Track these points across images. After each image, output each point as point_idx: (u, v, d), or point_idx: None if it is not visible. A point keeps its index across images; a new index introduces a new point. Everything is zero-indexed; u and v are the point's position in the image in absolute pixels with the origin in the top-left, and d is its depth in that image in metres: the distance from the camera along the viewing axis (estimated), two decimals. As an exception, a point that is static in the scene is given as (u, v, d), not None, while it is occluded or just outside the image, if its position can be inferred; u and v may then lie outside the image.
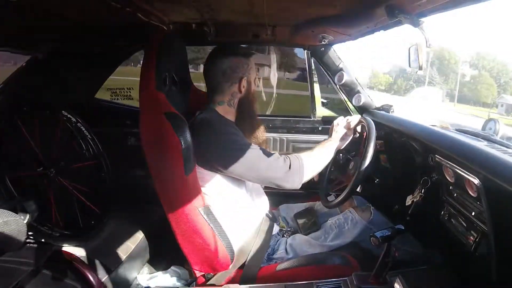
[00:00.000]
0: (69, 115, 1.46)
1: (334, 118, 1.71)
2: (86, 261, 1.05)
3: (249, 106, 1.05)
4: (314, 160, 1.03)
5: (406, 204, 1.03)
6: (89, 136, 1.51)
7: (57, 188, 1.36)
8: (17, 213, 0.73)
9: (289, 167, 0.96)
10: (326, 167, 1.12)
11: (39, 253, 0.67)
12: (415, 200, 1.00)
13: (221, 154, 0.93)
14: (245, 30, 1.29)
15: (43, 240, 1.24)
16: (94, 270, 0.85)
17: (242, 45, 1.19)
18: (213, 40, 1.29)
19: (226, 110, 1.03)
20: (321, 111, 1.74)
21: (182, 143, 0.85)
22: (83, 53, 1.51)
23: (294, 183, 0.97)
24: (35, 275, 0.64)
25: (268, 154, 0.96)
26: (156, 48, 0.93)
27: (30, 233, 1.13)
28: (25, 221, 0.76)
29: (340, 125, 1.14)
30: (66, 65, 1.57)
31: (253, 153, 0.94)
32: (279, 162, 0.96)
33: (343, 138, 1.12)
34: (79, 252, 1.19)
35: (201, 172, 0.95)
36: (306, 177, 0.99)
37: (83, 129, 1.50)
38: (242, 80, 1.01)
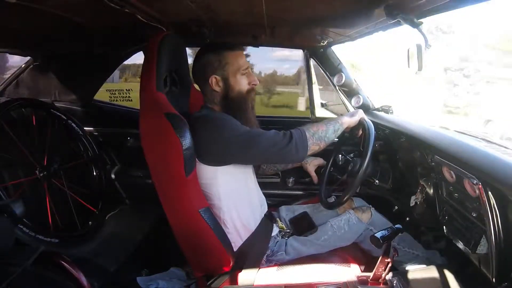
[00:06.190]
0: (58, 113, 1.43)
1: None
2: (84, 263, 1.04)
3: (231, 104, 1.01)
4: (318, 130, 0.99)
5: (411, 205, 1.03)
6: (81, 133, 1.48)
7: (52, 190, 1.33)
8: (3, 214, 0.71)
9: (291, 137, 0.94)
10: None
11: (27, 254, 0.66)
12: (417, 201, 1.00)
13: (221, 142, 0.92)
14: (244, 31, 1.29)
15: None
16: (90, 272, 0.84)
17: (218, 43, 1.11)
18: (212, 40, 1.29)
19: (216, 109, 1.03)
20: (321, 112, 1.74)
21: (183, 144, 0.85)
22: (82, 54, 1.51)
23: (298, 153, 0.95)
24: (24, 277, 0.63)
25: (266, 131, 0.95)
26: (155, 49, 0.93)
27: (22, 236, 1.10)
28: (13, 221, 0.74)
29: None
30: (65, 66, 1.57)
31: (252, 132, 0.94)
32: (279, 135, 0.95)
33: (352, 115, 1.07)
34: (77, 253, 1.18)
35: (201, 169, 0.95)
36: (312, 147, 0.97)
37: (75, 126, 1.47)
38: (210, 79, 0.99)
